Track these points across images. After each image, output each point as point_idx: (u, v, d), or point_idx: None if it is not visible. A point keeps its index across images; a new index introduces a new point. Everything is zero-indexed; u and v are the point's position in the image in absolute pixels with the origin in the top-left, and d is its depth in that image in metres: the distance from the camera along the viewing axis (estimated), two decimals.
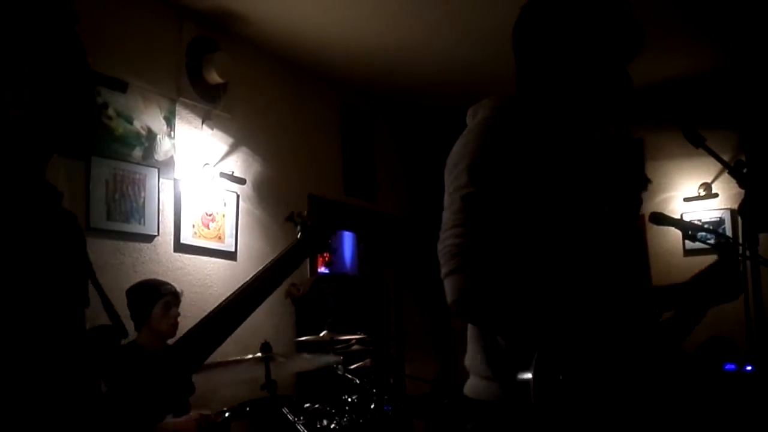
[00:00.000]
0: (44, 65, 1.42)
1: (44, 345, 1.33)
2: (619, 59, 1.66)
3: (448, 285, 1.51)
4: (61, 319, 1.37)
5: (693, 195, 6.34)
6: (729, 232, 6.15)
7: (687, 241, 6.11)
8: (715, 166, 6.09)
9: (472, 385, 1.68)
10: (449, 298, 1.50)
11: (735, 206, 6.26)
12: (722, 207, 6.24)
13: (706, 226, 6.10)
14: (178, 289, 3.75)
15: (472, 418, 1.65)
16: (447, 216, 1.56)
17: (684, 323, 1.70)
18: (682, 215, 6.25)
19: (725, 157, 2.13)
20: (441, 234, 1.56)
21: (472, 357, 1.67)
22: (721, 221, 6.23)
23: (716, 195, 6.25)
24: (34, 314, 1.32)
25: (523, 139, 1.59)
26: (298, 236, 2.40)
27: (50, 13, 1.45)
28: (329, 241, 2.94)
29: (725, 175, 6.03)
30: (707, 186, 6.29)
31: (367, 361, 4.36)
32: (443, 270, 1.53)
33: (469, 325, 1.70)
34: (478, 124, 1.64)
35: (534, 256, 1.54)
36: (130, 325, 3.60)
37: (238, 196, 4.96)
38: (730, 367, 5.27)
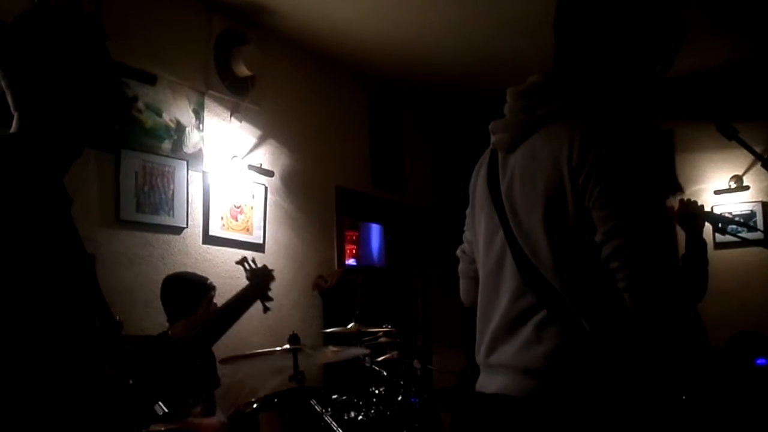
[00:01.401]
0: (74, 79, 1.50)
1: (45, 345, 1.38)
2: (659, 54, 1.59)
3: (646, 294, 1.41)
4: (63, 321, 1.41)
5: (724, 187, 6.28)
6: (760, 225, 6.08)
7: (717, 234, 6.03)
8: (746, 158, 6.02)
9: (502, 382, 1.62)
10: (646, 307, 1.42)
11: (766, 199, 6.19)
12: (753, 200, 6.17)
13: (736, 219, 6.03)
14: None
15: (503, 416, 1.61)
16: (636, 215, 1.43)
17: None
18: (712, 208, 6.18)
19: (757, 149, 2.11)
20: (620, 234, 1.42)
21: (535, 353, 1.54)
22: (752, 214, 6.16)
23: (747, 187, 6.18)
24: (39, 314, 1.36)
25: None
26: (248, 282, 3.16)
27: (83, 34, 1.55)
28: (269, 287, 3.27)
29: (757, 167, 5.95)
30: (738, 178, 6.22)
31: (395, 353, 4.36)
32: (635, 278, 1.41)
33: (530, 323, 1.56)
34: (610, 118, 1.51)
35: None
36: (154, 316, 3.64)
37: (266, 189, 4.99)
38: (761, 361, 5.20)
